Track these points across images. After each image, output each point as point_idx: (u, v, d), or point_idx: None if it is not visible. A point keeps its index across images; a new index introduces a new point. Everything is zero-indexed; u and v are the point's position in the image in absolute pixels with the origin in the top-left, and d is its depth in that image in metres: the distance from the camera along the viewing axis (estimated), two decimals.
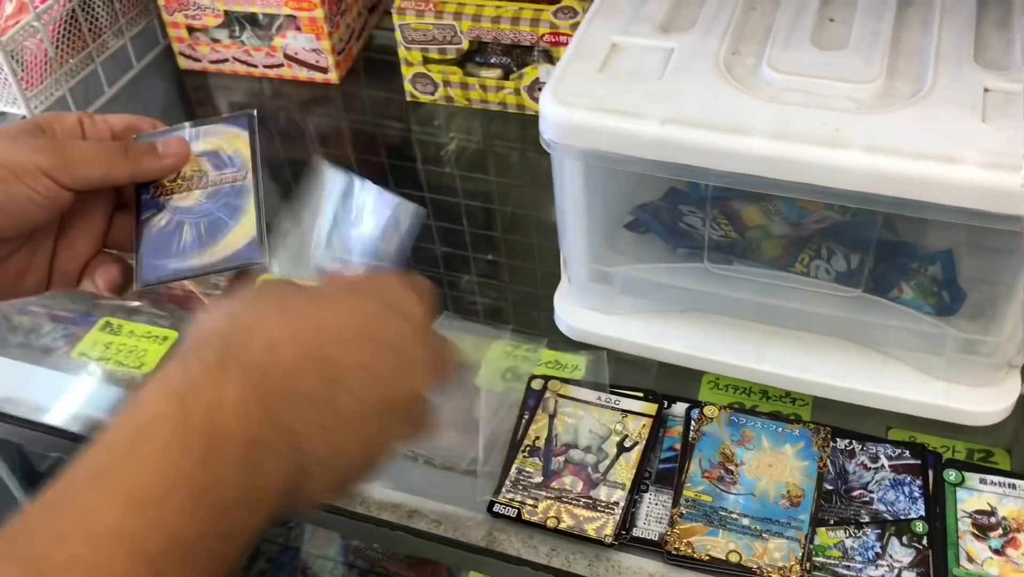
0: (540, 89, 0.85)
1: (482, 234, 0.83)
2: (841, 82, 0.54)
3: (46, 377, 0.74)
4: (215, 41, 0.94)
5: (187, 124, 0.58)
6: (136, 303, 0.88)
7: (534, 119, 0.87)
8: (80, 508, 0.33)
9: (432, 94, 0.89)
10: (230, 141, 0.57)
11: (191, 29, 0.93)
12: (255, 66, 0.94)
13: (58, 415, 0.70)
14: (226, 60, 0.95)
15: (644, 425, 0.60)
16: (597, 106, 0.54)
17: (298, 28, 0.89)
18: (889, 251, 0.62)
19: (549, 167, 0.86)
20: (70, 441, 0.70)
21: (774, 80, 0.55)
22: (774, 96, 0.54)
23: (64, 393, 0.73)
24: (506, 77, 0.85)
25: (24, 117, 0.85)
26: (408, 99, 0.91)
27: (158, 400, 0.36)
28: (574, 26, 0.79)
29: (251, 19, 0.92)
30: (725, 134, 0.52)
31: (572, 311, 0.66)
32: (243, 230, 0.54)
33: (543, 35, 0.81)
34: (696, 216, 0.65)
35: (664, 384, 0.65)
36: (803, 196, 0.54)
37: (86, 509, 0.33)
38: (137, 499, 0.34)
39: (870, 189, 0.50)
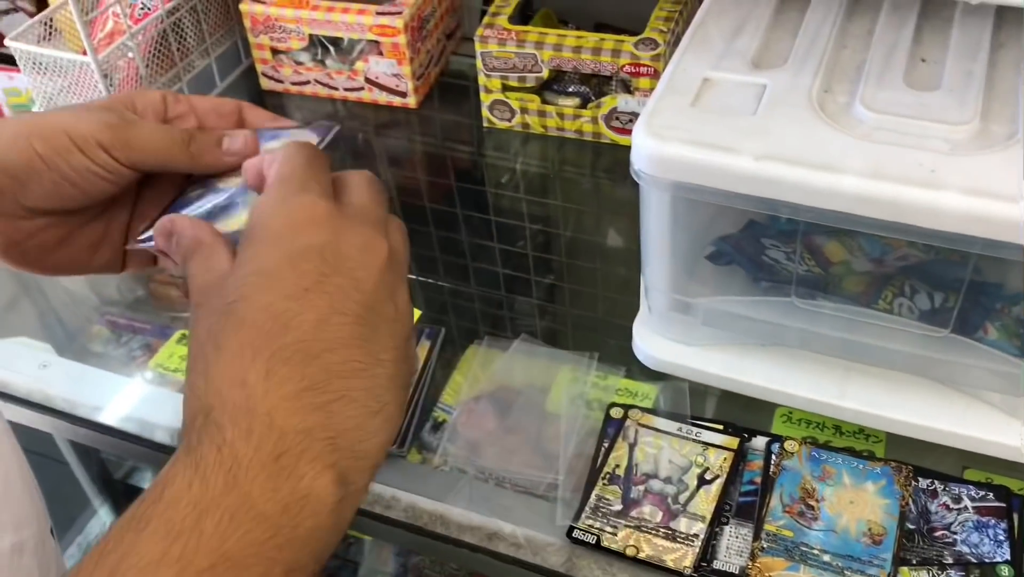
0: (617, 118, 0.86)
1: (551, 259, 0.84)
2: (935, 123, 0.54)
3: (122, 385, 0.76)
4: (298, 63, 0.96)
5: (284, 129, 0.57)
6: None
7: (609, 147, 0.89)
8: (121, 550, 0.34)
9: (509, 120, 0.90)
10: None
11: (275, 51, 0.96)
12: (336, 88, 0.96)
13: (134, 422, 0.72)
14: (308, 82, 0.97)
15: (725, 459, 0.61)
16: (690, 139, 0.55)
17: (380, 53, 0.91)
18: (973, 291, 0.62)
19: (621, 195, 0.88)
20: (146, 448, 0.72)
21: (868, 119, 0.55)
22: (867, 135, 0.54)
23: (141, 401, 0.75)
24: (584, 106, 0.86)
25: None
26: (485, 125, 0.92)
27: (172, 466, 0.37)
28: (654, 57, 0.80)
29: (334, 43, 0.94)
30: (820, 171, 0.52)
31: (651, 340, 0.67)
32: (245, 218, 0.52)
33: (623, 66, 0.82)
34: (779, 250, 0.65)
35: (730, 414, 0.66)
36: (897, 235, 0.54)
37: (126, 550, 0.34)
38: (170, 531, 0.34)
39: (965, 231, 0.50)
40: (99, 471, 1.14)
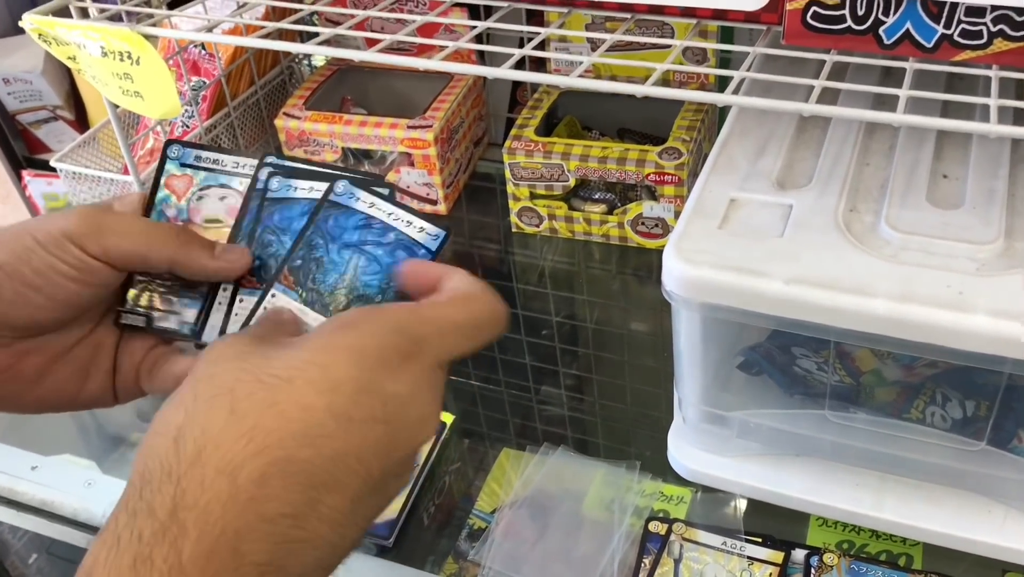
0: (643, 223, 0.88)
1: (579, 352, 0.85)
2: (961, 242, 0.55)
3: None
4: None
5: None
6: None
7: (636, 250, 0.91)
8: None
9: (537, 226, 0.92)
10: None
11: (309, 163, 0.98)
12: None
13: None
14: None
15: (770, 573, 0.61)
16: (720, 263, 0.57)
17: (412, 164, 0.94)
18: (1007, 398, 0.63)
19: (649, 294, 0.90)
20: None
21: (893, 239, 0.57)
22: (894, 255, 0.56)
23: None
24: (610, 212, 0.88)
25: None
26: (514, 230, 0.94)
27: (109, 574, 0.32)
28: (678, 166, 0.83)
29: (367, 154, 0.97)
30: (850, 295, 0.53)
31: (687, 452, 0.67)
32: None
33: (648, 174, 0.84)
34: (809, 359, 0.66)
35: (765, 517, 0.66)
36: (927, 356, 0.55)
37: None
38: None
39: (995, 352, 0.51)
40: None
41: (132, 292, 0.48)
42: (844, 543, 0.66)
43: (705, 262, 0.57)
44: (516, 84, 1.05)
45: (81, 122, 1.26)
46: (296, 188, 0.51)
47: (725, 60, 0.90)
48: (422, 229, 0.47)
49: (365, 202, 0.48)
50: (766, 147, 0.66)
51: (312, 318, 0.47)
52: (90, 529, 0.72)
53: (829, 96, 0.57)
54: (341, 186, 0.49)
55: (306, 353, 0.37)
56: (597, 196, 0.88)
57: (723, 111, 0.94)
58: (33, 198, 1.33)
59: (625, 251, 0.91)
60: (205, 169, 0.51)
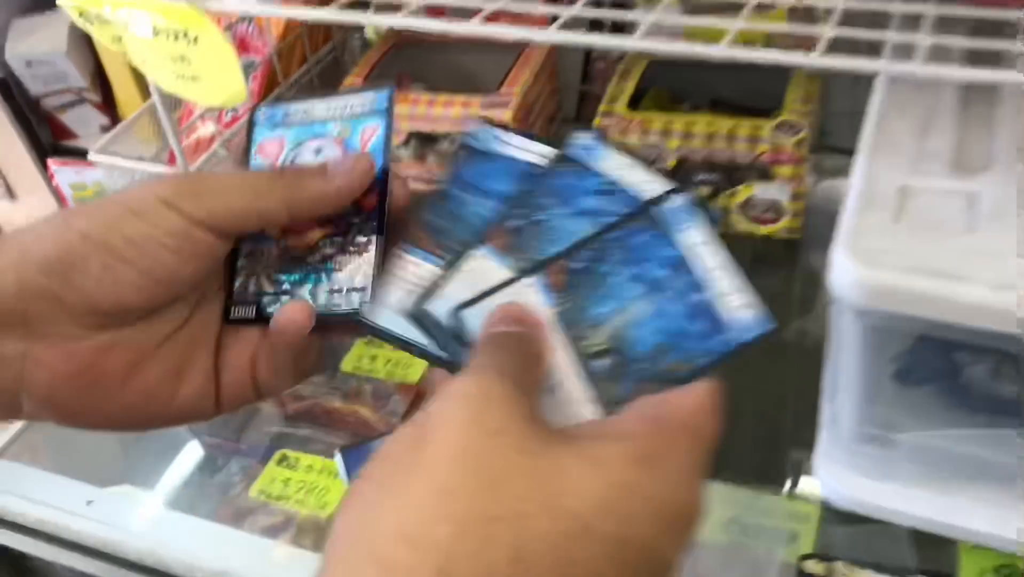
0: (754, 207, 0.78)
1: None
2: None
3: (242, 542, 0.68)
4: (396, 160, 0.90)
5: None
6: (307, 431, 0.84)
7: (744, 238, 0.82)
8: None
9: None
10: None
11: None
12: (435, 183, 0.90)
13: None
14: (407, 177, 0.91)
15: None
16: (907, 266, 0.48)
17: None
18: None
19: (767, 287, 0.81)
20: None
21: None
22: None
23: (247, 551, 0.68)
24: (715, 195, 0.79)
25: None
26: None
27: None
28: (797, 143, 0.73)
29: (430, 139, 0.88)
30: None
31: (841, 476, 0.59)
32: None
33: (761, 152, 0.75)
34: (976, 367, 0.58)
35: (893, 543, 0.59)
36: None
37: None
38: None
39: None
40: None
41: (239, 280, 0.42)
42: (1003, 568, 0.58)
43: (889, 264, 0.48)
44: (587, 53, 0.96)
45: (108, 103, 1.18)
46: (505, 144, 0.44)
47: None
48: (741, 306, 0.35)
49: (684, 233, 0.37)
50: (930, 123, 0.56)
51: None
52: (158, 574, 0.64)
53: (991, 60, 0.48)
54: (676, 203, 0.38)
55: (604, 488, 0.29)
56: (700, 178, 0.79)
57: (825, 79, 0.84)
58: (60, 188, 1.25)
59: (732, 238, 0.82)
60: (295, 125, 0.46)
